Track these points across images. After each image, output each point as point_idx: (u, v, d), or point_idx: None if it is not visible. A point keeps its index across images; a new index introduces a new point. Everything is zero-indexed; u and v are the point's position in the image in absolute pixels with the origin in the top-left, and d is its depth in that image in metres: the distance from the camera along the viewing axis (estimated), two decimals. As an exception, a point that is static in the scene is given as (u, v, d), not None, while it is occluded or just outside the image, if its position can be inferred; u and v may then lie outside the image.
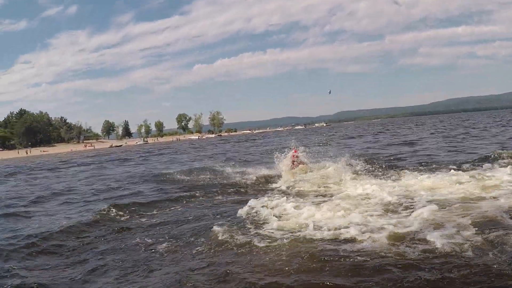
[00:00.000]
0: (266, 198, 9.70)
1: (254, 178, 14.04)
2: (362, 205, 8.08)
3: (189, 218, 8.69)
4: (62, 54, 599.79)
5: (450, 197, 8.16)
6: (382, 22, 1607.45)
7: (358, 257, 5.21)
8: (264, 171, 15.32)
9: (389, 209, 7.63)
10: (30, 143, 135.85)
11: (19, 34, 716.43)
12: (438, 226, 6.16)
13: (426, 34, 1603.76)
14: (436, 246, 5.27)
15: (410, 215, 7.00)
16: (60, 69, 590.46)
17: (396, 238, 5.77)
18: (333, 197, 9.34)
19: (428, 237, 5.63)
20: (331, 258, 5.30)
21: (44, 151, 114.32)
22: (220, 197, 11.13)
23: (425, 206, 7.39)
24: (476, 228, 5.82)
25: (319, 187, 11.09)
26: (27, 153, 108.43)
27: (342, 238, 6.11)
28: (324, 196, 9.77)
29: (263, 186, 12.57)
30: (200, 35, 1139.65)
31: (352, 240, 5.94)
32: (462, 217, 6.47)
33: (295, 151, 15.68)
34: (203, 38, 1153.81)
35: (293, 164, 15.04)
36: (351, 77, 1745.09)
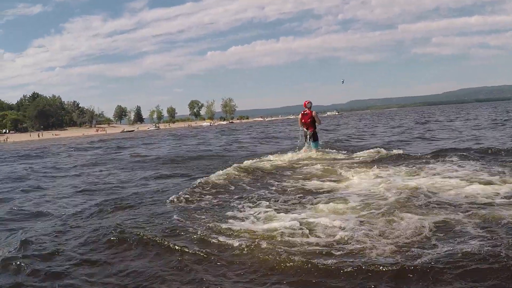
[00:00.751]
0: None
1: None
2: (358, 204, 6.82)
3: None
4: (76, 38, 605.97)
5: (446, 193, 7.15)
6: (395, 11, 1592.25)
7: (352, 267, 4.25)
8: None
9: (386, 210, 6.25)
10: (42, 127, 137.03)
11: (34, 18, 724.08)
12: (445, 229, 5.22)
13: (438, 23, 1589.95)
14: (443, 252, 4.42)
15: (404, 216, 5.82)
16: (73, 53, 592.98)
17: (397, 244, 4.79)
18: (324, 192, 8.07)
19: (434, 242, 4.75)
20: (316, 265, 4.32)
21: (56, 135, 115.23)
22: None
23: (424, 204, 6.44)
24: (486, 231, 4.98)
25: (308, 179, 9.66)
26: (39, 136, 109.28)
27: (333, 242, 5.01)
28: (309, 191, 8.27)
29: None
30: (213, 22, 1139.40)
31: (343, 247, 4.84)
32: (469, 218, 5.52)
33: (306, 103, 14.32)
34: (216, 25, 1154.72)
35: (304, 116, 13.98)
36: (363, 66, 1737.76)
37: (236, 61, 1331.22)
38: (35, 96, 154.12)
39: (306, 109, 14.10)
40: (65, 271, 4.62)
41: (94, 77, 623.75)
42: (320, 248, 4.81)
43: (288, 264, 4.36)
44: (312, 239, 5.11)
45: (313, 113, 13.95)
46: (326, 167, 11.04)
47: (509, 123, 27.18)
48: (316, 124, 14.15)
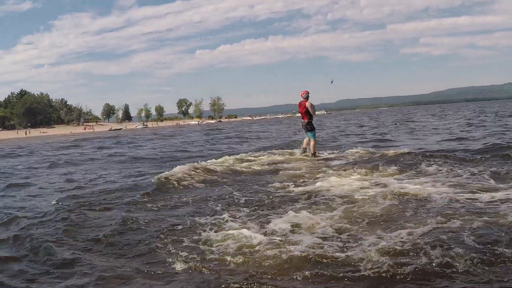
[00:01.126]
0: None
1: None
2: (339, 209, 6.45)
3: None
4: (65, 36, 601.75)
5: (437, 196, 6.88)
6: (384, 11, 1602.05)
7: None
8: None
9: (378, 218, 5.96)
10: (29, 124, 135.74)
11: (23, 15, 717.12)
12: (437, 236, 4.87)
13: (427, 24, 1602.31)
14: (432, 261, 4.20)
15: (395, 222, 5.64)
16: (62, 51, 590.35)
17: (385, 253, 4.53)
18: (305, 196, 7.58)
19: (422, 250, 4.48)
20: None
21: (43, 132, 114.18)
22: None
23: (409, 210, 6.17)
24: (475, 237, 4.76)
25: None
26: (26, 134, 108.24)
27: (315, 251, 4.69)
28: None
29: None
30: (202, 21, 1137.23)
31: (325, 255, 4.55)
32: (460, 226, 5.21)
33: (303, 93, 13.91)
34: (206, 24, 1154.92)
35: (299, 106, 13.93)
36: (353, 66, 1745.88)
37: (225, 60, 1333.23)
38: (22, 94, 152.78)
39: (303, 99, 13.92)
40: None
41: (82, 75, 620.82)
42: (301, 258, 4.50)
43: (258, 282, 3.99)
44: (291, 250, 4.70)
45: (307, 104, 13.77)
46: (308, 169, 10.80)
47: (486, 124, 27.54)
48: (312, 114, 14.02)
